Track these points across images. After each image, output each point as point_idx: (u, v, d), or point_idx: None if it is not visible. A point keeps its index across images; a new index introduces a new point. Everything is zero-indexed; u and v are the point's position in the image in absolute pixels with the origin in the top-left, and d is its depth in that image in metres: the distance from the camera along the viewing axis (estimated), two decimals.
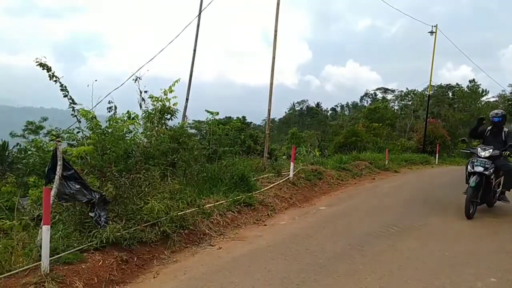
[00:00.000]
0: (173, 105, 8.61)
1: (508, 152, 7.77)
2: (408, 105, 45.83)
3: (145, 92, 8.41)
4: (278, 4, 10.22)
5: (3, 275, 4.10)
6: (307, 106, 74.61)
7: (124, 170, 6.35)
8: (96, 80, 7.43)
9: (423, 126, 24.35)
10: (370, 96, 71.60)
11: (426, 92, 31.47)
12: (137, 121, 7.85)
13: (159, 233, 5.57)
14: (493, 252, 5.97)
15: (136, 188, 5.78)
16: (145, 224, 5.54)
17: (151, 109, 8.37)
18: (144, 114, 8.40)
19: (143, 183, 5.94)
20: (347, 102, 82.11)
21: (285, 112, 75.66)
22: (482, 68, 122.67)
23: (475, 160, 7.76)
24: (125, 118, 7.61)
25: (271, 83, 10.52)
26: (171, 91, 8.71)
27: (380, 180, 12.15)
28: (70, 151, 6.90)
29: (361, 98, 76.63)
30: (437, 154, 19.11)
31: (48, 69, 7.59)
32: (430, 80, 25.10)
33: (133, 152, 7.18)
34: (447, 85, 49.74)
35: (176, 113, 9.08)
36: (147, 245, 5.40)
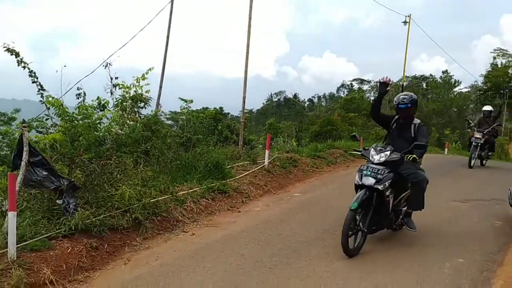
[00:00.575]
0: (146, 92, 8.50)
1: (412, 156, 5.15)
2: None
3: (116, 78, 8.28)
4: None
5: None
6: (284, 97, 74.92)
7: (95, 157, 6.23)
8: (65, 66, 7.25)
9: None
10: (347, 87, 72.32)
11: (400, 83, 31.94)
12: (108, 108, 7.70)
13: (130, 220, 5.50)
14: None
15: (107, 175, 5.68)
16: (116, 211, 5.46)
17: (121, 96, 8.23)
18: (116, 101, 8.27)
19: (114, 169, 5.85)
20: (324, 93, 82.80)
21: (263, 103, 75.85)
22: (455, 59, 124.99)
23: (365, 168, 5.27)
24: (95, 105, 7.45)
25: (246, 71, 10.47)
26: (144, 79, 8.58)
27: (354, 168, 12.16)
28: (39, 139, 6.74)
29: (338, 89, 77.38)
30: None
31: (16, 54, 7.41)
32: (404, 71, 25.57)
33: (105, 139, 7.06)
34: (421, 76, 50.73)
35: (150, 101, 8.97)
36: (119, 232, 5.33)
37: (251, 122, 43.38)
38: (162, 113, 10.18)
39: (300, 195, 8.42)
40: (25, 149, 4.81)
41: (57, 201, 5.03)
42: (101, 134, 7.18)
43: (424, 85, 49.58)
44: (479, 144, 12.54)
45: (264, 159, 9.77)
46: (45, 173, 4.95)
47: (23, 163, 4.78)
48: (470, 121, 14.00)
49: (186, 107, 10.23)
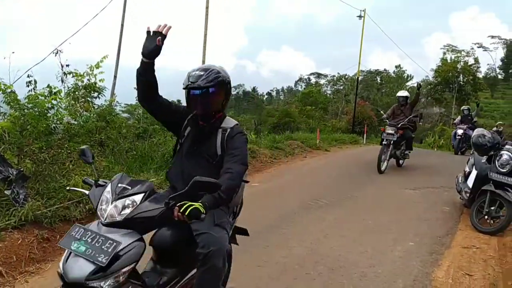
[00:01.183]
0: (100, 81, 8.26)
1: (192, 207, 2.25)
2: (340, 89, 47.43)
3: (67, 66, 7.98)
4: None
5: None
6: (243, 90, 74.76)
7: (45, 147, 6.00)
8: (13, 52, 6.92)
9: (353, 108, 25.36)
10: (304, 81, 73.04)
11: (356, 77, 32.76)
12: (59, 96, 7.41)
13: (84, 210, 5.35)
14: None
15: (58, 165, 5.50)
16: (69, 202, 5.30)
17: (73, 84, 7.96)
18: (68, 90, 7.98)
19: (66, 159, 5.67)
20: (282, 87, 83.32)
21: None
22: (408, 54, 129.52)
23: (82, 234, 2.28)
24: (46, 93, 7.15)
25: (203, 62, 10.41)
26: (98, 67, 8.33)
27: (311, 158, 12.51)
28: None
29: (296, 83, 78.02)
30: (365, 134, 19.99)
31: None
32: (359, 64, 26.07)
33: (56, 128, 6.81)
34: (375, 70, 52.16)
35: (104, 91, 8.73)
36: (72, 223, 5.14)
37: None
38: (118, 104, 9.93)
39: (258, 185, 8.48)
40: None
41: (5, 191, 4.81)
42: (51, 123, 6.90)
43: (379, 79, 51.05)
44: (392, 142, 9.93)
45: None
46: None
47: None
48: (382, 112, 11.84)
49: None
